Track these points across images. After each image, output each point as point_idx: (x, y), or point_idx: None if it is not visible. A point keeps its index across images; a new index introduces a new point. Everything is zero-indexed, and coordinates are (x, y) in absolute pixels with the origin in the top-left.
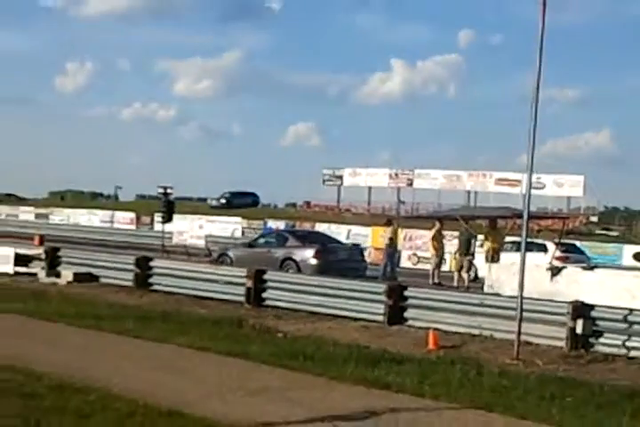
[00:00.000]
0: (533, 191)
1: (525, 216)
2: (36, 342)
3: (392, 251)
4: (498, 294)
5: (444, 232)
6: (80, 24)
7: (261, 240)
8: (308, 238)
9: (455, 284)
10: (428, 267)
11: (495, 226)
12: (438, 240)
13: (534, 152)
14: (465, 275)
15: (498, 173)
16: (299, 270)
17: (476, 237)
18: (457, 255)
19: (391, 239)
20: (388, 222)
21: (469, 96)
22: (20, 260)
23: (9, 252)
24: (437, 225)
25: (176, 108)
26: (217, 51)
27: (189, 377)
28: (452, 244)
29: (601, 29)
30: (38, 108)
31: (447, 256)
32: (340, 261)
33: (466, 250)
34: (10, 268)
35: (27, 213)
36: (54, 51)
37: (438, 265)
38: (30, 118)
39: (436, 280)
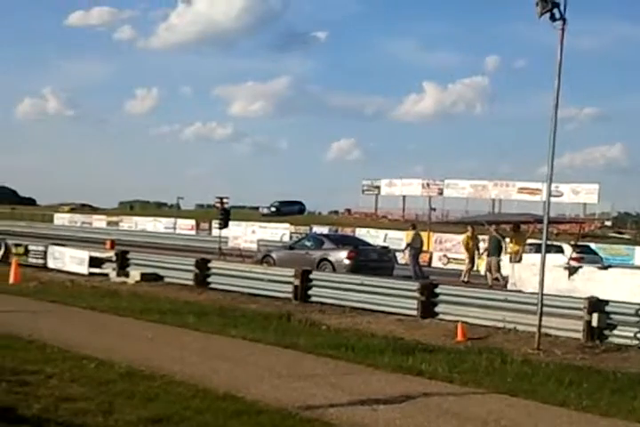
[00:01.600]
0: (552, 199)
1: (545, 221)
2: (108, 335)
3: (415, 253)
4: (520, 291)
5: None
6: (148, 54)
7: (301, 243)
8: (341, 241)
9: (490, 282)
10: (458, 267)
11: (518, 230)
12: (470, 244)
13: (553, 163)
14: (497, 274)
15: (520, 183)
16: (334, 270)
17: (504, 239)
18: (485, 257)
19: (409, 244)
20: (412, 226)
21: (494, 114)
22: (94, 262)
23: (84, 255)
24: (469, 230)
25: (232, 127)
26: (268, 76)
27: (242, 365)
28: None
29: (615, 52)
30: (111, 127)
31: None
32: (371, 262)
33: (497, 252)
34: (85, 269)
35: (99, 221)
36: (125, 78)
37: (471, 266)
38: (104, 137)
39: (465, 279)
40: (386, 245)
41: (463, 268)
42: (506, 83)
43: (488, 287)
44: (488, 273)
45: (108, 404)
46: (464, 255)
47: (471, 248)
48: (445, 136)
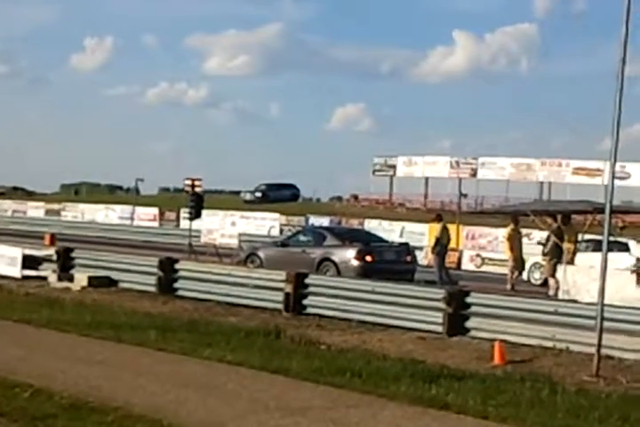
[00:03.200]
0: (617, 182)
1: (607, 211)
2: (47, 356)
3: (441, 251)
4: (575, 301)
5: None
6: None
7: (296, 239)
8: (348, 237)
9: (552, 292)
10: (495, 270)
11: (569, 222)
12: (514, 240)
13: (619, 136)
14: (552, 279)
15: (575, 162)
16: (338, 273)
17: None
18: (550, 258)
19: (438, 239)
20: (438, 218)
21: (544, 72)
22: (29, 262)
23: (16, 253)
24: (512, 223)
25: (207, 89)
26: (254, 23)
27: (219, 395)
28: (530, 244)
29: None
30: (53, 88)
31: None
32: (386, 263)
33: (559, 252)
34: (17, 271)
35: (36, 209)
36: (72, 25)
37: (515, 269)
38: (43, 100)
39: (509, 286)
40: (404, 241)
41: (504, 271)
42: (560, 31)
43: (549, 297)
44: (551, 280)
45: None
46: (506, 255)
47: (516, 246)
48: (481, 101)
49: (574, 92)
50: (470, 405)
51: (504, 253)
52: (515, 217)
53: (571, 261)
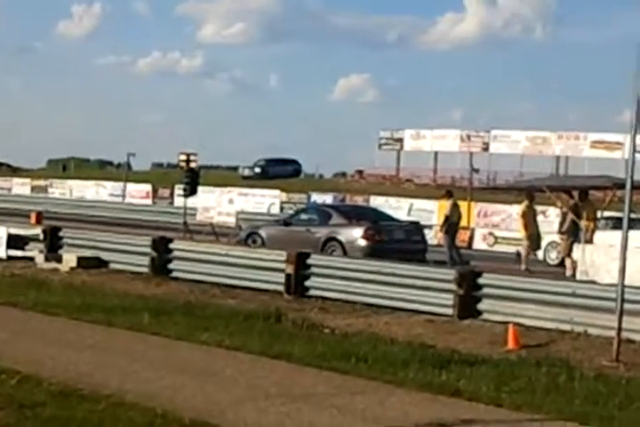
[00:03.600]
0: (638, 156)
1: (628, 186)
2: (34, 341)
3: (451, 230)
4: (593, 282)
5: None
6: None
7: (299, 217)
8: (355, 215)
9: (569, 272)
10: (508, 249)
11: (586, 198)
12: (529, 218)
13: None
14: (568, 259)
15: (594, 135)
16: (345, 253)
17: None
18: (567, 237)
19: (447, 217)
20: (448, 194)
21: (560, 39)
22: (14, 242)
23: (1, 232)
24: (526, 199)
25: (201, 58)
26: None
27: (217, 382)
28: (545, 221)
29: None
30: (35, 58)
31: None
32: (395, 242)
33: (576, 231)
34: (2, 251)
35: (21, 186)
36: None
37: (530, 248)
38: (28, 71)
39: (523, 266)
40: (414, 219)
41: (519, 250)
42: None
43: (566, 278)
44: (567, 259)
45: None
46: (520, 234)
47: (531, 224)
48: (493, 70)
49: (593, 60)
50: (483, 391)
51: (518, 231)
52: (529, 193)
53: (589, 240)
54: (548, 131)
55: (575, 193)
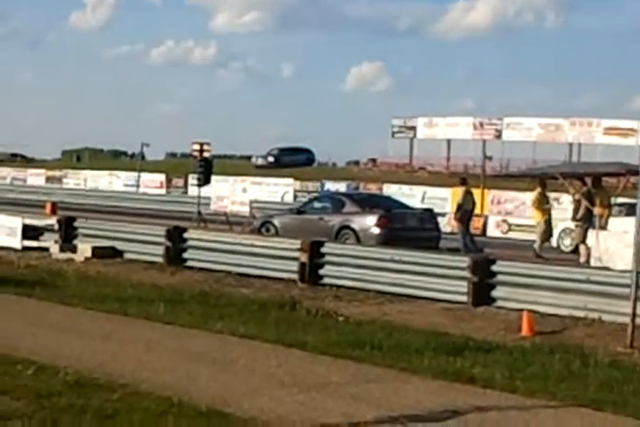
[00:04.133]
0: None
1: None
2: (50, 330)
3: (465, 217)
4: (607, 268)
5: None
6: None
7: (313, 205)
8: (369, 203)
9: (583, 259)
10: (521, 236)
11: (600, 184)
12: (542, 205)
13: None
14: (582, 246)
15: (607, 121)
16: (358, 241)
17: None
18: (580, 224)
19: (459, 204)
20: (463, 182)
21: (572, 26)
22: (29, 232)
23: (16, 223)
24: (539, 186)
25: (215, 47)
26: None
27: (232, 370)
28: (559, 208)
29: None
30: (51, 49)
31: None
32: (409, 230)
33: (590, 217)
34: (17, 242)
35: (36, 177)
36: None
37: (543, 235)
38: (41, 62)
39: (538, 252)
40: (428, 207)
41: (532, 237)
42: None
43: (580, 264)
44: (582, 246)
45: (50, 423)
46: (534, 221)
47: (544, 211)
48: (505, 58)
49: (605, 47)
50: (497, 378)
51: (532, 218)
52: (542, 180)
53: (604, 227)
54: (560, 118)
55: (588, 180)
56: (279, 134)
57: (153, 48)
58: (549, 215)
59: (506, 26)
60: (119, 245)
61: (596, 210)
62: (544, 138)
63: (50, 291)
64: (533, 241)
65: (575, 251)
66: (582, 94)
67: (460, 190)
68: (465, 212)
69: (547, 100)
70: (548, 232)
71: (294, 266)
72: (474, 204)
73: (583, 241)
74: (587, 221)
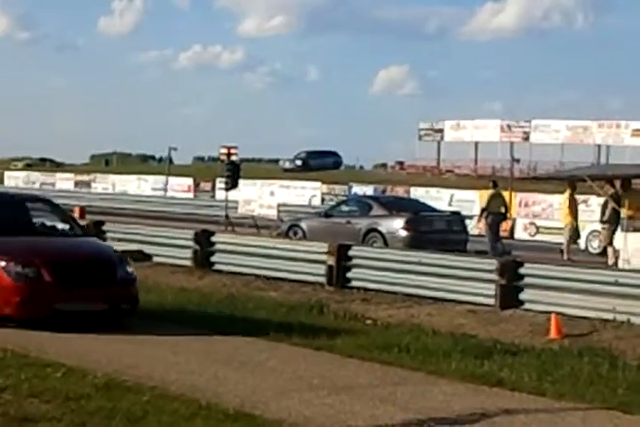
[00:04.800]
0: None
1: None
2: (79, 333)
3: (494, 220)
4: (636, 271)
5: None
6: None
7: (340, 209)
8: (396, 206)
9: (611, 261)
10: (549, 239)
11: (630, 186)
12: (572, 207)
13: None
14: (610, 248)
15: (635, 123)
16: (385, 244)
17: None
18: (607, 226)
19: (484, 208)
20: (493, 184)
21: (602, 28)
22: None
23: None
24: (568, 189)
25: (242, 51)
26: None
27: (260, 373)
28: (587, 211)
29: None
30: (79, 54)
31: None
32: (436, 233)
33: (617, 219)
34: None
35: (65, 181)
36: None
37: (572, 237)
38: (69, 68)
39: (565, 256)
40: (456, 210)
41: (560, 240)
42: None
43: (608, 266)
44: (609, 247)
45: (79, 426)
46: (563, 223)
47: (572, 214)
48: (533, 60)
49: (632, 49)
50: (525, 381)
51: (562, 220)
52: (572, 183)
53: (636, 229)
54: (588, 120)
55: (617, 182)
56: (307, 138)
57: (181, 52)
58: (577, 218)
59: (534, 28)
60: (147, 248)
61: (624, 212)
62: (572, 140)
63: None
64: (561, 244)
65: (603, 253)
66: (611, 96)
67: (487, 193)
68: (496, 215)
69: (575, 103)
70: (575, 235)
71: (322, 269)
72: (506, 207)
73: (610, 243)
74: (613, 223)
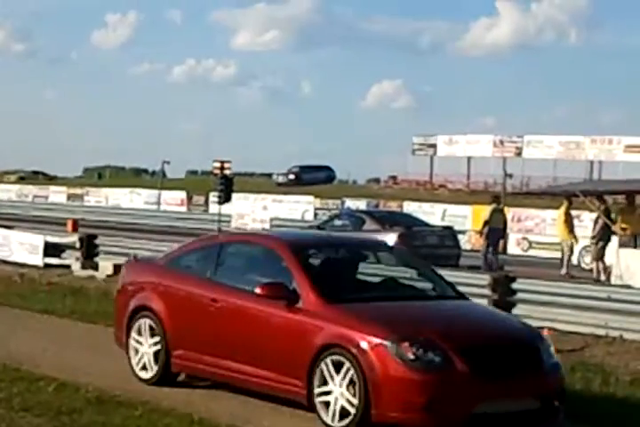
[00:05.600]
0: None
1: None
2: (71, 348)
3: (494, 236)
4: (628, 286)
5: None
6: None
7: (333, 223)
8: (389, 220)
9: (599, 276)
10: (541, 254)
11: (633, 202)
12: (568, 222)
13: None
14: (594, 263)
15: (628, 138)
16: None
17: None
18: (596, 242)
19: (486, 222)
20: (494, 199)
21: (594, 44)
22: (51, 249)
23: (38, 240)
24: (565, 203)
25: (235, 66)
26: None
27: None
28: (580, 226)
29: None
30: (70, 67)
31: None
32: (429, 248)
33: (608, 235)
34: (39, 259)
35: (57, 194)
36: (90, 1)
37: (571, 253)
38: (63, 80)
39: (564, 271)
40: (448, 224)
41: (552, 255)
42: (611, 1)
43: (594, 282)
44: (594, 263)
45: None
46: (560, 238)
47: (568, 229)
48: (526, 76)
49: (625, 66)
50: None
51: (559, 235)
52: (568, 198)
53: (635, 245)
54: (581, 135)
55: (608, 198)
56: (300, 152)
57: (174, 66)
58: (574, 233)
59: (527, 43)
60: None
61: (617, 227)
62: (564, 156)
63: (71, 308)
64: (558, 259)
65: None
66: (603, 112)
67: (489, 208)
68: (494, 230)
69: (568, 118)
70: (571, 251)
71: None
72: (505, 223)
73: (599, 259)
74: (604, 238)
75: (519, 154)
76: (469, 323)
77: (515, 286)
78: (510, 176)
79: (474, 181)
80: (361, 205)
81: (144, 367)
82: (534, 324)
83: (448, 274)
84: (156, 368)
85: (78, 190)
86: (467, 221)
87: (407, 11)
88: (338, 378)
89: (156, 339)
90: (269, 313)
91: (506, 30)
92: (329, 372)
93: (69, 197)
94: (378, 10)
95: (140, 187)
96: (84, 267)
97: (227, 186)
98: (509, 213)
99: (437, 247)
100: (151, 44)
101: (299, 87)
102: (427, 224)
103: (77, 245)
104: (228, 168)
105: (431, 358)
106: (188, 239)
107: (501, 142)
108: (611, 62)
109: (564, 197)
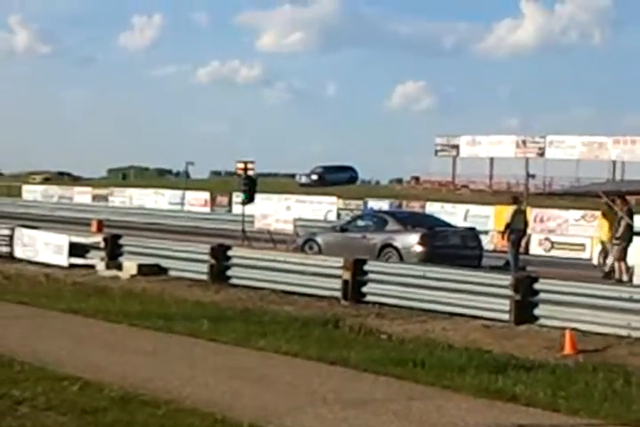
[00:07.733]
0: None
1: None
2: (96, 347)
3: (515, 237)
4: None
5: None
6: None
7: (356, 223)
8: (411, 221)
9: (621, 276)
10: (564, 255)
11: None
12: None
13: None
14: (617, 264)
15: None
16: (401, 259)
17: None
18: (619, 242)
19: (508, 224)
20: (514, 200)
21: (618, 44)
22: (76, 250)
23: (63, 240)
24: (620, 203)
25: (260, 67)
26: None
27: (275, 388)
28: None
29: None
30: (99, 68)
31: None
32: (451, 248)
33: (630, 235)
34: (64, 259)
35: (83, 195)
36: (119, 2)
37: (603, 252)
38: (89, 81)
39: (607, 269)
40: (471, 226)
41: (574, 255)
42: (635, 1)
43: (616, 282)
44: (617, 263)
45: None
46: (603, 237)
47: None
48: (550, 77)
49: None
50: (540, 397)
51: (602, 236)
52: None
53: None
54: (604, 136)
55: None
56: (323, 153)
57: (199, 67)
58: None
59: (551, 44)
60: (164, 262)
61: None
62: (587, 156)
63: (96, 308)
64: (580, 260)
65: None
66: (627, 112)
67: (510, 209)
68: (515, 231)
69: (591, 119)
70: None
71: (337, 284)
72: (526, 224)
73: (621, 259)
74: (626, 239)
75: (542, 154)
76: None
77: (537, 286)
78: (533, 177)
79: (496, 182)
80: (384, 205)
81: None
82: (556, 324)
83: (470, 274)
84: None
85: (103, 191)
86: (489, 221)
87: (431, 12)
88: None
89: None
90: None
91: (530, 31)
92: None
93: (94, 197)
94: (402, 11)
95: (164, 187)
96: (108, 267)
97: (250, 186)
98: (532, 213)
99: (459, 248)
100: (177, 45)
101: (323, 88)
102: (449, 225)
103: (102, 245)
104: (252, 169)
105: None
106: (211, 240)
107: (524, 143)
108: (634, 63)
109: (595, 198)
